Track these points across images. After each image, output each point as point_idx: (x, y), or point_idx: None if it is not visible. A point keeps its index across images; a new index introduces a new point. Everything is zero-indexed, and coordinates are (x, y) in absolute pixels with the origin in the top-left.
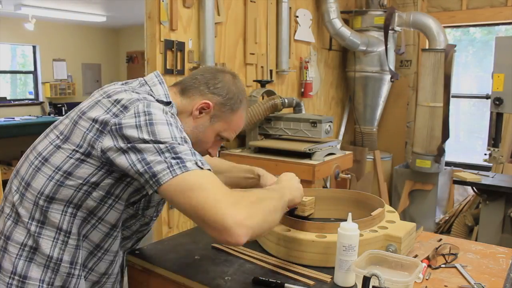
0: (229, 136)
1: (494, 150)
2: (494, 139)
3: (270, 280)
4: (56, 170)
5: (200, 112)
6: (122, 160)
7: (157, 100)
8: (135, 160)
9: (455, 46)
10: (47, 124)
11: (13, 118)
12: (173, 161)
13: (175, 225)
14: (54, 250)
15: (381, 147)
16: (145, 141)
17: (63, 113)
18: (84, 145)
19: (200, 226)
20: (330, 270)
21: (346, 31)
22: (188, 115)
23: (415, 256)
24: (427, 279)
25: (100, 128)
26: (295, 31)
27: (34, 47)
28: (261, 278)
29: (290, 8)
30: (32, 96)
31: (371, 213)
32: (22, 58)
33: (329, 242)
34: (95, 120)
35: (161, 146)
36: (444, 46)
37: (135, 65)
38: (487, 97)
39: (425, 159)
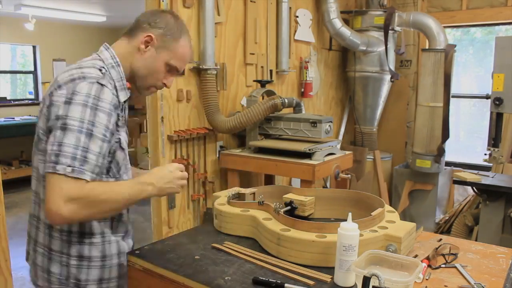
0: (178, 65)
1: (494, 150)
2: (494, 139)
3: (270, 280)
4: (44, 154)
5: (146, 46)
6: (48, 137)
7: (102, 68)
8: (48, 140)
9: (455, 46)
10: None
11: (13, 118)
12: (52, 159)
13: (175, 225)
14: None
15: (381, 147)
16: (57, 117)
17: None
18: (46, 128)
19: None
20: (330, 270)
21: (346, 31)
22: (137, 52)
23: (415, 256)
24: (427, 279)
25: (45, 106)
26: (295, 31)
27: (34, 47)
28: (261, 278)
29: (290, 8)
30: (32, 96)
31: (371, 213)
32: (22, 58)
33: (329, 242)
34: (43, 105)
35: (58, 133)
36: (444, 46)
37: None
38: (487, 97)
39: (425, 159)
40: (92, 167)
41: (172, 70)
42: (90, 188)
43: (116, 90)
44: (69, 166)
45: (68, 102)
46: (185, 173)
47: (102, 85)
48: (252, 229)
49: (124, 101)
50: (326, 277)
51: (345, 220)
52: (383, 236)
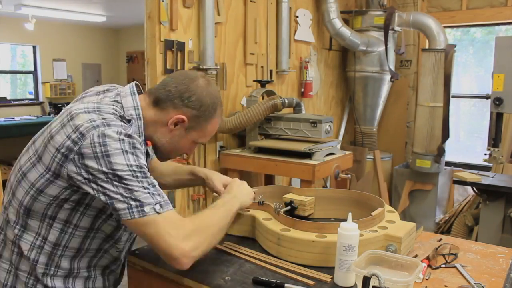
0: (204, 141)
1: (494, 150)
2: (494, 139)
3: (270, 280)
4: (31, 186)
5: (175, 125)
6: (87, 188)
7: (120, 116)
8: (98, 191)
9: (455, 46)
10: (47, 124)
11: (13, 118)
12: (133, 203)
13: None
14: (31, 253)
15: (381, 147)
16: (104, 173)
17: None
18: (52, 168)
19: (154, 250)
20: (330, 270)
21: (346, 31)
22: (162, 125)
23: (415, 256)
24: (427, 279)
25: (64, 155)
26: (295, 31)
27: (34, 47)
28: (261, 278)
29: (290, 8)
30: (32, 96)
31: (371, 213)
32: (22, 58)
33: (329, 242)
34: (59, 147)
35: (118, 184)
36: (444, 46)
37: (135, 65)
38: (487, 97)
39: (425, 159)
40: (166, 196)
41: (197, 144)
42: (189, 219)
43: None
44: (156, 203)
45: (106, 154)
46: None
47: (127, 134)
48: (252, 229)
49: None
50: (326, 277)
51: (345, 220)
52: (383, 236)
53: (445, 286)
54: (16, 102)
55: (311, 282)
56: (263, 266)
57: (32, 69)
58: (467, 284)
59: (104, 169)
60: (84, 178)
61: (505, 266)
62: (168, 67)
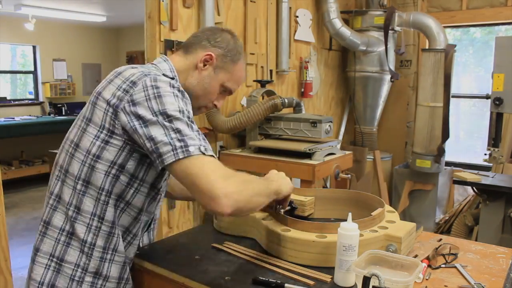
0: (233, 87)
1: (494, 150)
2: (494, 139)
3: (270, 280)
4: (87, 154)
5: (204, 64)
6: (136, 137)
7: (163, 75)
8: (145, 138)
9: (455, 46)
10: (47, 124)
11: (13, 118)
12: (178, 144)
13: (175, 225)
14: (88, 235)
15: (381, 147)
16: (154, 113)
17: (63, 113)
18: (105, 125)
19: (194, 195)
20: (330, 270)
21: (346, 31)
22: (193, 69)
23: (415, 256)
24: (427, 279)
25: (115, 106)
26: (295, 31)
27: (34, 47)
28: (261, 278)
29: (290, 8)
30: (32, 96)
31: (371, 213)
32: (22, 58)
33: (329, 242)
34: (109, 100)
35: (167, 123)
36: (444, 46)
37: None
38: (487, 97)
39: (425, 159)
40: (211, 149)
41: (226, 92)
42: (231, 171)
43: None
44: (201, 145)
45: (158, 96)
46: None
47: (178, 87)
48: (252, 229)
49: None
50: (326, 277)
51: (345, 220)
52: (383, 236)
53: (445, 286)
54: (16, 102)
55: (311, 282)
56: (263, 266)
57: (32, 69)
58: (467, 284)
59: (155, 108)
60: (133, 126)
61: (505, 266)
62: None
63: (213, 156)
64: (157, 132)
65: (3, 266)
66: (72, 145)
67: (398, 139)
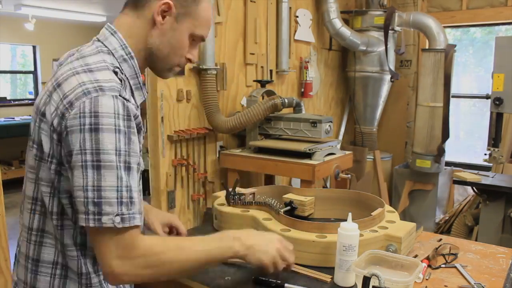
0: (203, 33)
1: (494, 150)
2: (494, 139)
3: (270, 280)
4: (48, 184)
5: (163, 17)
6: (64, 177)
7: (114, 71)
8: (73, 182)
9: (455, 46)
10: None
11: (13, 118)
12: (91, 209)
13: None
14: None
15: (381, 147)
16: (83, 150)
17: None
18: (54, 153)
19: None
20: (330, 270)
21: (346, 31)
22: (151, 26)
23: (415, 256)
24: (427, 279)
25: (57, 134)
26: (295, 31)
27: (34, 47)
28: (261, 278)
29: (290, 8)
30: (32, 96)
31: (371, 213)
32: (22, 58)
33: (329, 242)
34: (52, 125)
35: (90, 174)
36: (444, 46)
37: None
38: (487, 97)
39: (425, 159)
40: (138, 207)
41: (196, 41)
42: (148, 246)
43: (132, 93)
44: (117, 215)
45: (95, 129)
46: (292, 257)
47: (125, 99)
48: (252, 229)
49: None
50: (326, 277)
51: (345, 220)
52: (383, 236)
53: (445, 286)
54: (16, 102)
55: (312, 282)
56: None
57: (32, 69)
58: (467, 284)
59: (86, 145)
60: (67, 162)
61: (505, 266)
62: None
63: (130, 225)
64: (77, 182)
65: (3, 266)
66: (32, 174)
67: (398, 139)
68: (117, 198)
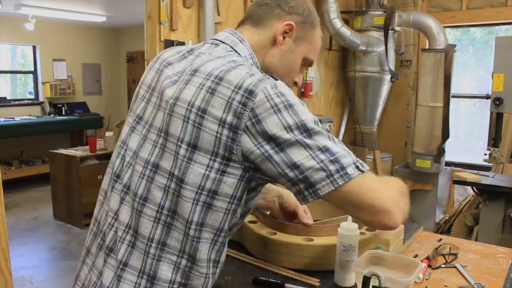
0: (313, 58)
1: (494, 150)
2: (494, 139)
3: (270, 280)
4: (199, 191)
5: (283, 38)
6: (267, 166)
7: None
8: (284, 166)
9: (455, 46)
10: (47, 124)
11: (13, 118)
12: (332, 168)
13: None
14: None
15: (381, 147)
16: (289, 129)
17: (63, 113)
18: (220, 151)
19: (359, 215)
20: (317, 273)
21: (346, 31)
22: (271, 45)
23: (415, 256)
24: (427, 279)
25: (234, 126)
26: None
27: (34, 47)
28: (261, 278)
29: None
30: (32, 96)
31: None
32: (22, 58)
33: (316, 245)
34: (224, 118)
35: (310, 141)
36: (444, 46)
37: (135, 65)
38: (487, 97)
39: (425, 159)
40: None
41: (305, 65)
42: (383, 177)
43: None
44: (355, 161)
45: (289, 105)
46: None
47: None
48: (239, 232)
49: None
50: (314, 281)
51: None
52: (371, 238)
53: (445, 286)
54: (16, 102)
55: (314, 283)
56: (263, 266)
57: (32, 69)
58: (467, 284)
59: (289, 122)
60: (265, 152)
61: (505, 266)
62: None
63: (368, 168)
64: (301, 156)
65: (3, 266)
66: (172, 179)
67: (398, 139)
68: (344, 150)
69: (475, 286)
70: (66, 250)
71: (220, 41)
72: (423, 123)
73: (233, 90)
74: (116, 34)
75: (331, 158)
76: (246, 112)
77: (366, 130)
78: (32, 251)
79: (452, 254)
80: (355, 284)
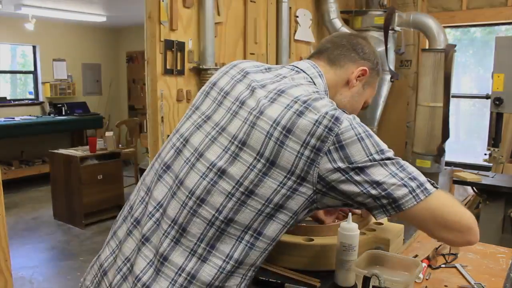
0: (369, 103)
1: (494, 150)
2: (494, 139)
3: (270, 280)
4: (266, 203)
5: (356, 80)
6: (348, 186)
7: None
8: (366, 185)
9: (455, 46)
10: (47, 124)
11: (13, 118)
12: (413, 184)
13: None
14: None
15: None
16: (372, 157)
17: (63, 113)
18: (296, 171)
19: (439, 234)
20: (318, 273)
21: (346, 31)
22: (344, 85)
23: (415, 256)
24: (427, 279)
25: (316, 148)
26: (295, 31)
27: (34, 47)
28: (261, 278)
29: (290, 8)
30: (32, 96)
31: (361, 215)
32: (22, 58)
33: (317, 245)
34: (307, 139)
35: (388, 162)
36: (444, 46)
37: (135, 65)
38: (487, 97)
39: (425, 159)
40: None
41: (362, 108)
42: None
43: None
44: (428, 181)
45: (369, 135)
46: None
47: None
48: None
49: None
50: (315, 281)
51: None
52: (372, 238)
53: (445, 286)
54: (16, 102)
55: (314, 283)
56: (263, 266)
57: (32, 69)
58: (467, 284)
59: (372, 150)
60: (345, 174)
61: (505, 266)
62: (168, 67)
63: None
64: (381, 175)
65: (3, 266)
66: (243, 190)
67: (398, 139)
68: (417, 170)
69: (475, 286)
70: (66, 250)
71: (301, 70)
72: (423, 123)
73: (321, 115)
74: (116, 34)
75: (410, 176)
76: (331, 136)
77: None
78: (32, 251)
79: (452, 254)
80: (355, 284)
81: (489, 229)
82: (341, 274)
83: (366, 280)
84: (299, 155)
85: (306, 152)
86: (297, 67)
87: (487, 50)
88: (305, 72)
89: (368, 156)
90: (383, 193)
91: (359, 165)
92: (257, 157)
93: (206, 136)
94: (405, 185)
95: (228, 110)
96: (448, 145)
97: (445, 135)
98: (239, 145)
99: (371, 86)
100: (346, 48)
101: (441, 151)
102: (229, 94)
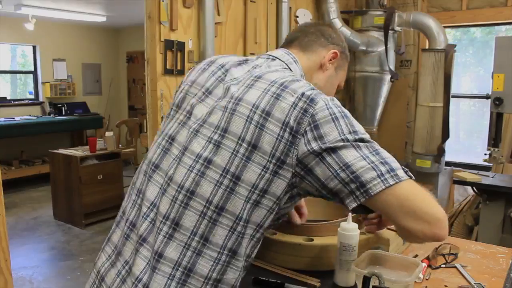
0: (342, 86)
1: (494, 150)
2: (494, 139)
3: (270, 280)
4: (252, 189)
5: (328, 64)
6: (321, 169)
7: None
8: (336, 167)
9: (455, 46)
10: (47, 124)
11: (13, 118)
12: (383, 169)
13: None
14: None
15: (381, 147)
16: (343, 135)
17: (63, 113)
18: (276, 153)
19: (407, 224)
20: (318, 273)
21: (346, 31)
22: (317, 69)
23: (415, 256)
24: (427, 279)
25: (294, 132)
26: None
27: (34, 47)
28: (261, 278)
29: (290, 8)
30: (32, 96)
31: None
32: (22, 58)
33: (316, 245)
34: (286, 122)
35: (361, 144)
36: (444, 46)
37: (135, 65)
38: (487, 97)
39: (425, 159)
40: None
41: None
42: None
43: None
44: (402, 168)
45: (345, 115)
46: None
47: None
48: None
49: None
50: (315, 281)
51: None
52: (372, 238)
53: (445, 286)
54: (16, 102)
55: (314, 283)
56: (263, 266)
57: (32, 69)
58: (467, 284)
59: (344, 130)
60: (317, 155)
61: (505, 266)
62: (168, 67)
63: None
64: (352, 157)
65: (3, 266)
66: (230, 177)
67: (398, 139)
68: (392, 157)
69: (475, 286)
70: (66, 250)
71: (276, 57)
72: (423, 123)
73: (297, 97)
74: (116, 34)
75: (381, 160)
76: (306, 117)
77: (366, 130)
78: (32, 251)
79: (452, 254)
80: (355, 284)
81: (489, 229)
82: (341, 274)
83: (366, 280)
84: (279, 137)
85: (286, 135)
86: (272, 55)
87: (487, 50)
88: (280, 60)
89: (340, 136)
90: (351, 176)
91: (331, 145)
92: (239, 142)
93: (189, 130)
94: (374, 169)
95: (208, 104)
96: (448, 145)
97: (445, 135)
98: (221, 133)
99: (342, 69)
100: (315, 35)
101: (441, 151)
102: (209, 90)
